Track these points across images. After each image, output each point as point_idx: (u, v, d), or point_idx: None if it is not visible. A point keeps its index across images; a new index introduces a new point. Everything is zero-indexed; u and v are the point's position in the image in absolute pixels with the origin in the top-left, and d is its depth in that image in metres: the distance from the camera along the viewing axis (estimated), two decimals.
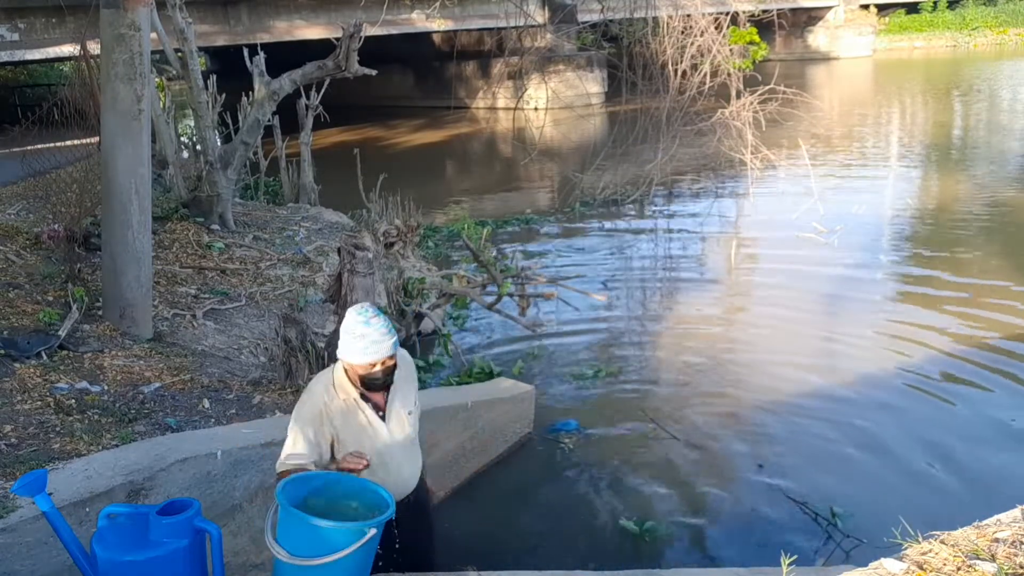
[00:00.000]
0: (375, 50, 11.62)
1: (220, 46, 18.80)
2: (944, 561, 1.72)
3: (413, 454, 2.75)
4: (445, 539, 3.90)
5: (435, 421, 4.06)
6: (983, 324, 6.01)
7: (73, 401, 3.56)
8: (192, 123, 11.10)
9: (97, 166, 5.43)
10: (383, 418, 2.63)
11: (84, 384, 3.77)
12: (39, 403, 3.50)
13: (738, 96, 9.82)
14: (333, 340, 3.99)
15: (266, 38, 17.45)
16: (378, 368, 2.54)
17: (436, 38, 24.16)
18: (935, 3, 38.27)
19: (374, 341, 2.50)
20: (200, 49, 9.80)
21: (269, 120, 7.54)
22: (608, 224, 10.07)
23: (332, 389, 2.60)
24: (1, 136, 7.66)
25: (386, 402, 2.64)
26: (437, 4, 16.85)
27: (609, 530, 3.91)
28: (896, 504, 3.85)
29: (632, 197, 10.79)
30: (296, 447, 2.53)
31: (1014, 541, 1.77)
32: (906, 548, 1.82)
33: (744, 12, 11.36)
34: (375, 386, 2.59)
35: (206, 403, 3.78)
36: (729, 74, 9.84)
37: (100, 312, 4.72)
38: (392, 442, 2.65)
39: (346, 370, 2.59)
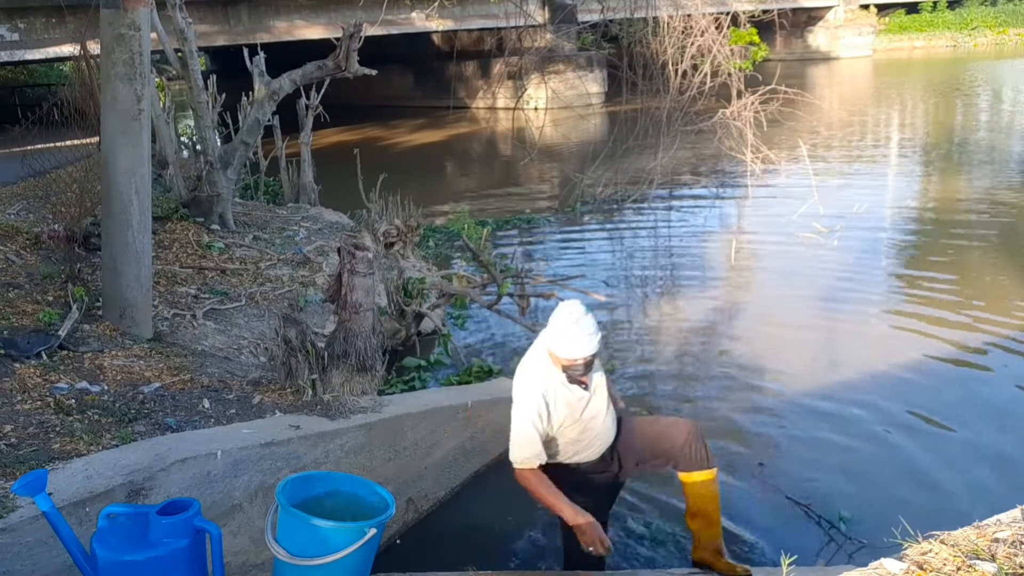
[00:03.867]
0: (375, 50, 11.62)
1: (220, 46, 18.79)
2: (944, 561, 1.72)
3: (610, 409, 3.03)
4: (446, 539, 3.91)
5: (435, 421, 4.06)
6: (985, 324, 6.01)
7: (73, 401, 3.55)
8: (192, 123, 11.09)
9: (97, 166, 5.43)
10: (586, 388, 2.89)
11: (84, 384, 3.77)
12: (39, 403, 3.50)
13: (739, 96, 9.82)
14: (333, 340, 3.99)
15: (266, 38, 17.45)
16: (580, 362, 2.76)
17: (436, 38, 24.16)
18: (935, 3, 38.27)
19: (584, 338, 2.70)
20: (200, 49, 9.79)
21: (269, 120, 7.53)
22: (608, 224, 10.07)
23: (543, 382, 2.81)
24: (1, 136, 7.66)
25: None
26: (437, 4, 16.83)
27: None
28: (896, 504, 3.85)
29: (632, 197, 10.79)
30: (536, 445, 2.78)
31: (1014, 541, 1.77)
32: (906, 548, 1.82)
33: (744, 12, 11.36)
34: (575, 377, 2.82)
35: (206, 403, 3.78)
36: (729, 74, 9.84)
37: (100, 312, 4.72)
38: (599, 406, 2.94)
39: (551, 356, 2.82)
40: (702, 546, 3.18)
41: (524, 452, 2.79)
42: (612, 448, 3.05)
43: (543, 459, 2.81)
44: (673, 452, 3.04)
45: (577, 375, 2.82)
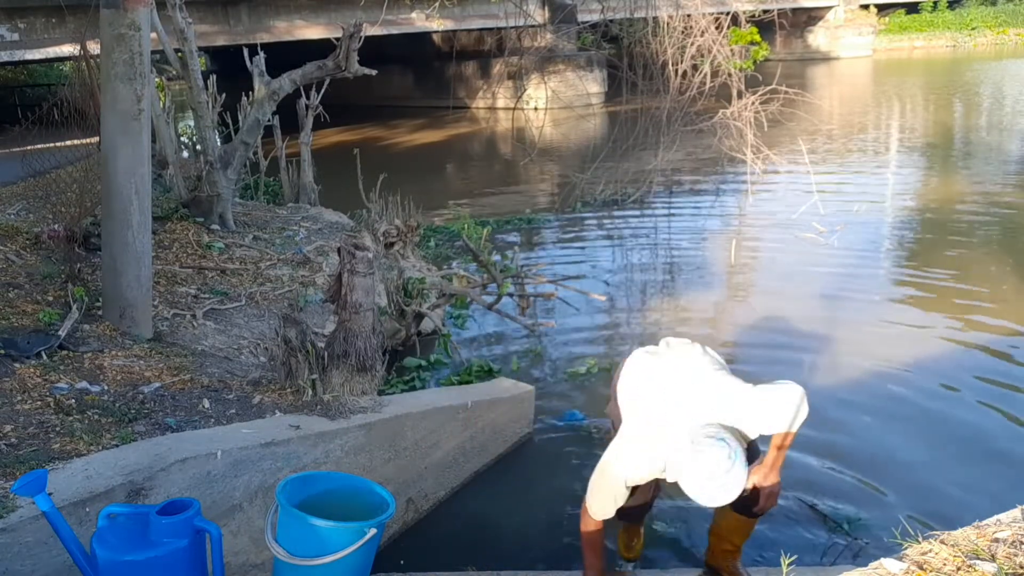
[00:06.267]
0: (375, 50, 11.63)
1: (220, 46, 18.80)
2: (944, 561, 1.72)
3: None
4: (446, 539, 3.91)
5: (435, 421, 4.06)
6: (985, 324, 6.01)
7: (73, 401, 3.55)
8: (192, 123, 11.09)
9: (97, 166, 5.43)
10: None
11: (84, 384, 3.77)
12: (39, 403, 3.50)
13: (739, 96, 9.82)
14: (333, 340, 3.99)
15: (266, 38, 17.45)
16: None
17: (436, 38, 24.18)
18: (935, 3, 38.31)
19: (715, 493, 2.31)
20: (200, 49, 9.79)
21: (269, 120, 7.53)
22: (608, 224, 10.07)
23: (652, 465, 2.65)
24: (1, 136, 7.66)
25: None
26: (437, 4, 16.83)
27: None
28: (896, 504, 3.86)
29: (632, 197, 10.79)
30: (618, 504, 2.77)
31: (1014, 541, 1.77)
32: (906, 548, 1.82)
33: (744, 12, 11.36)
34: None
35: (206, 403, 3.78)
36: (729, 74, 9.84)
37: (100, 312, 4.72)
38: None
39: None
40: (719, 558, 3.16)
41: (603, 508, 2.78)
42: None
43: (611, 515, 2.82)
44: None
45: None
